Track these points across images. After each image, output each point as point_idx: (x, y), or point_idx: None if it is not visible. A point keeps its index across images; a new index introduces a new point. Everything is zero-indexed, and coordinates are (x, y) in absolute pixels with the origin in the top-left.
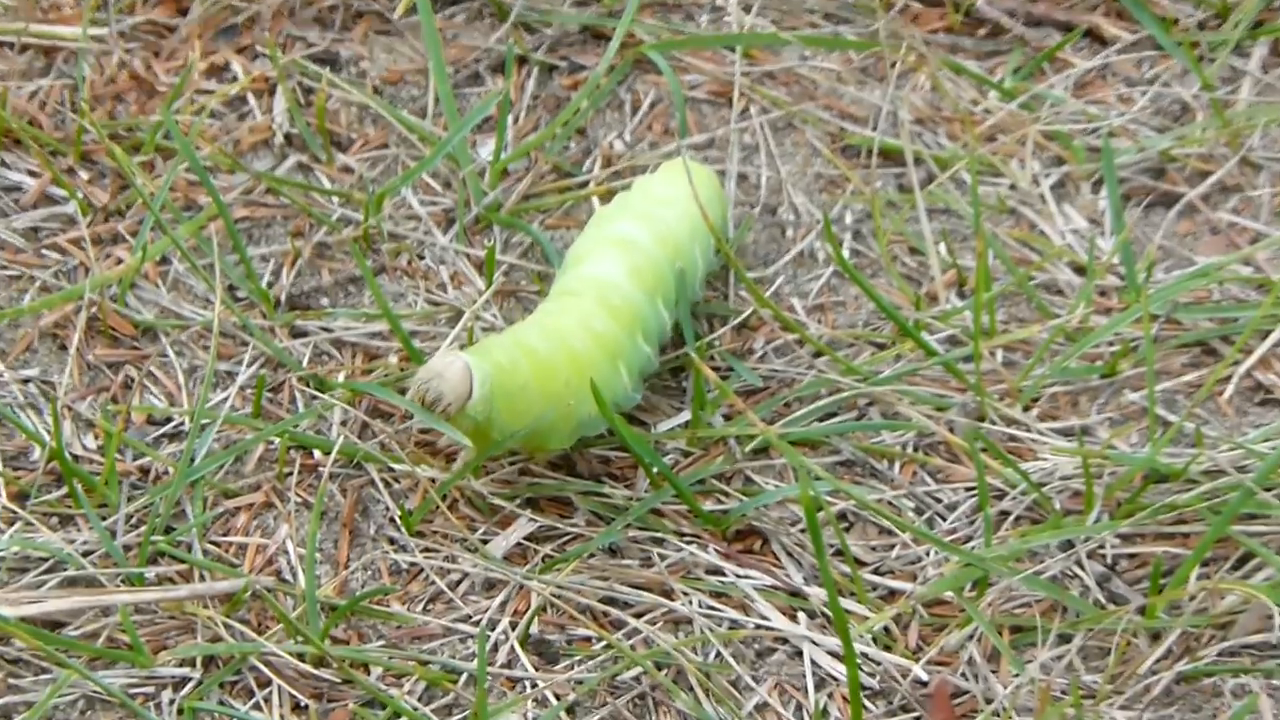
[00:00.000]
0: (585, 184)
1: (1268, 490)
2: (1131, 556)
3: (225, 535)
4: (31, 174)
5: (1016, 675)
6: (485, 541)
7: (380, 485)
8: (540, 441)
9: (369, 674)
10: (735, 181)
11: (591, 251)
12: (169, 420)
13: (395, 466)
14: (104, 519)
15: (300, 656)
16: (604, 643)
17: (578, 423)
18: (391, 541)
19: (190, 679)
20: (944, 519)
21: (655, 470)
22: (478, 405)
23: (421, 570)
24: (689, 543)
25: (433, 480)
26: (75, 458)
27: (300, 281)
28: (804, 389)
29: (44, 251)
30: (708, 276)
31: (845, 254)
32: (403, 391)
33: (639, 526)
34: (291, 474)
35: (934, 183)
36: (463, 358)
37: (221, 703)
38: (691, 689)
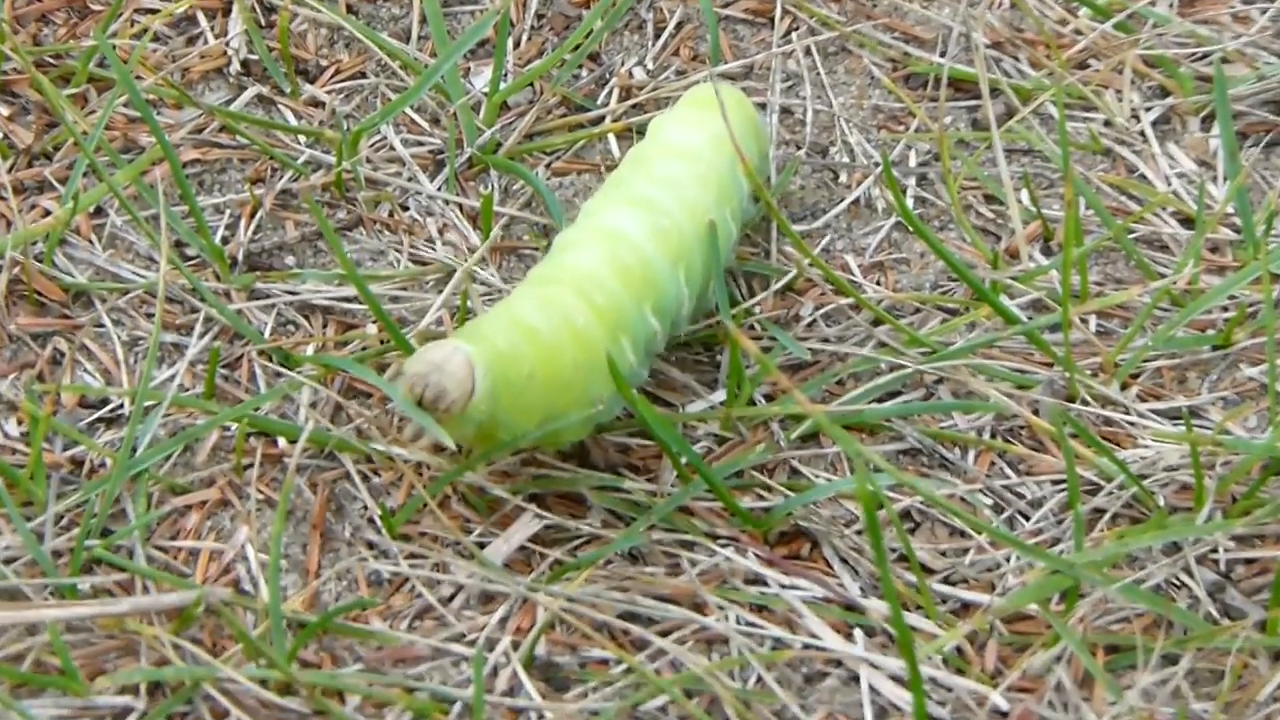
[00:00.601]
0: (599, 120)
1: None
2: (1249, 562)
3: (173, 539)
4: None
5: (1113, 704)
6: (482, 545)
7: (357, 479)
8: (553, 438)
9: (344, 703)
10: (778, 117)
11: (602, 208)
12: (106, 402)
13: (375, 456)
14: (29, 520)
15: (263, 683)
16: (624, 666)
17: (590, 407)
18: (371, 546)
19: (132, 709)
20: (1027, 518)
21: (684, 460)
22: (481, 403)
23: (406, 580)
24: (724, 546)
25: (420, 472)
26: None
27: (261, 237)
28: (860, 363)
29: None
30: (746, 228)
31: (908, 203)
32: (382, 369)
33: (665, 527)
34: (251, 466)
35: (1014, 118)
36: (463, 347)
37: None
38: None
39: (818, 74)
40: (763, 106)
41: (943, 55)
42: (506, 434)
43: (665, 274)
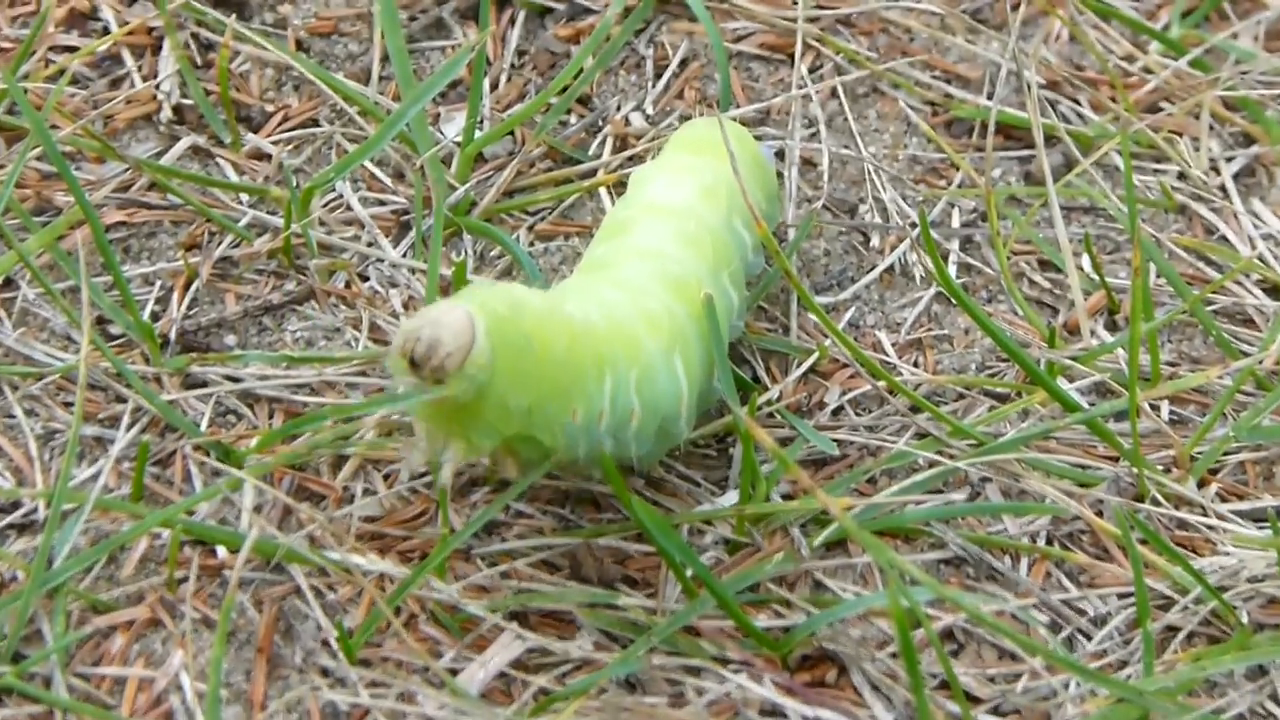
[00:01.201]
0: (591, 174)
1: None
2: None
3: (96, 664)
4: None
5: None
6: (455, 671)
7: (309, 594)
8: (533, 446)
9: None
10: (798, 169)
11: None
12: (17, 505)
13: (330, 568)
14: None
15: None
16: None
17: (565, 414)
18: (325, 673)
19: None
20: (1088, 637)
21: (690, 572)
22: (479, 359)
23: (367, 713)
24: (736, 672)
25: (383, 586)
26: None
27: (197, 313)
28: (895, 458)
29: None
30: (758, 296)
31: (951, 270)
32: (338, 465)
33: (667, 650)
34: (187, 580)
35: (1074, 171)
36: (463, 305)
37: None
38: None
39: (845, 119)
40: (780, 155)
41: (990, 97)
42: (497, 414)
43: (659, 367)
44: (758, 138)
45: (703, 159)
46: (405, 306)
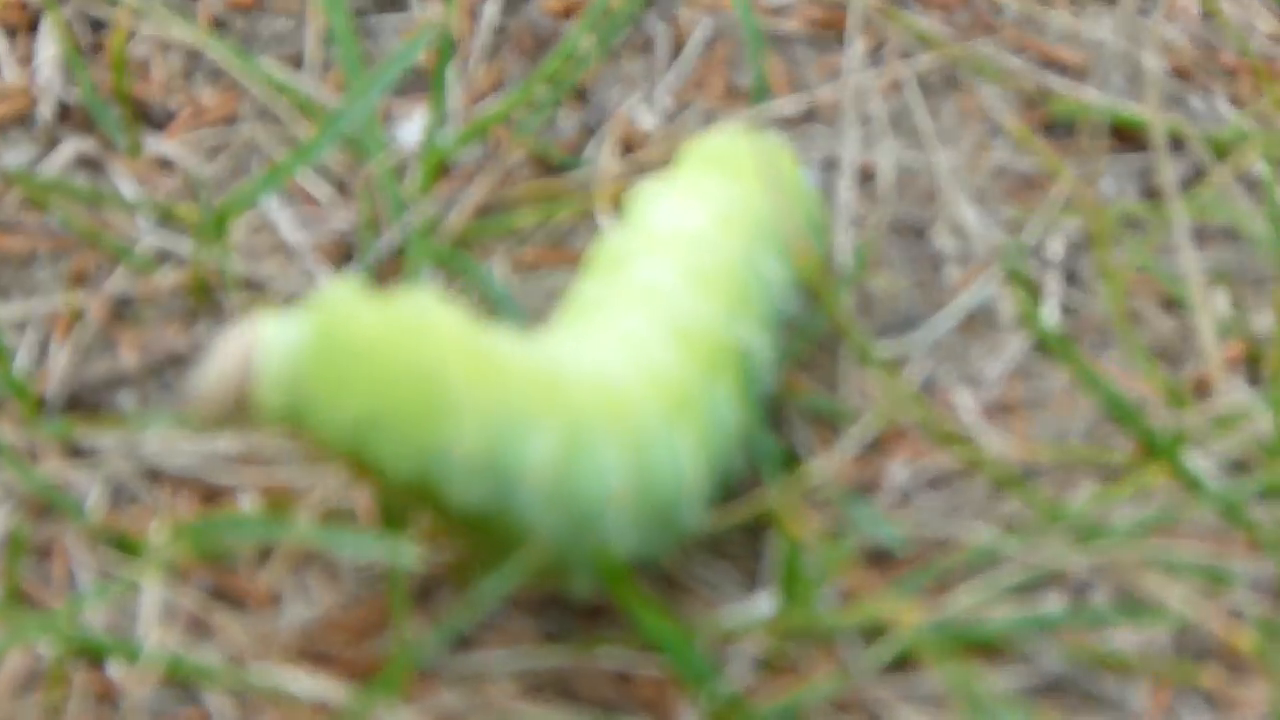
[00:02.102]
0: (586, 183)
1: None
2: None
3: None
4: None
5: None
6: None
7: (227, 717)
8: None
9: None
10: (854, 181)
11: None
12: None
13: (253, 691)
14: None
15: None
16: None
17: (417, 447)
18: None
19: None
20: None
21: (713, 695)
22: (275, 389)
23: None
24: None
25: (324, 712)
26: None
27: (85, 364)
28: (976, 554)
29: None
30: (799, 345)
31: (1048, 311)
32: (262, 560)
33: None
34: (71, 703)
35: (1205, 182)
36: (268, 321)
37: None
38: None
39: (914, 117)
40: (830, 166)
41: (1099, 88)
42: (321, 431)
43: (656, 438)
44: (805, 143)
45: (720, 179)
46: None
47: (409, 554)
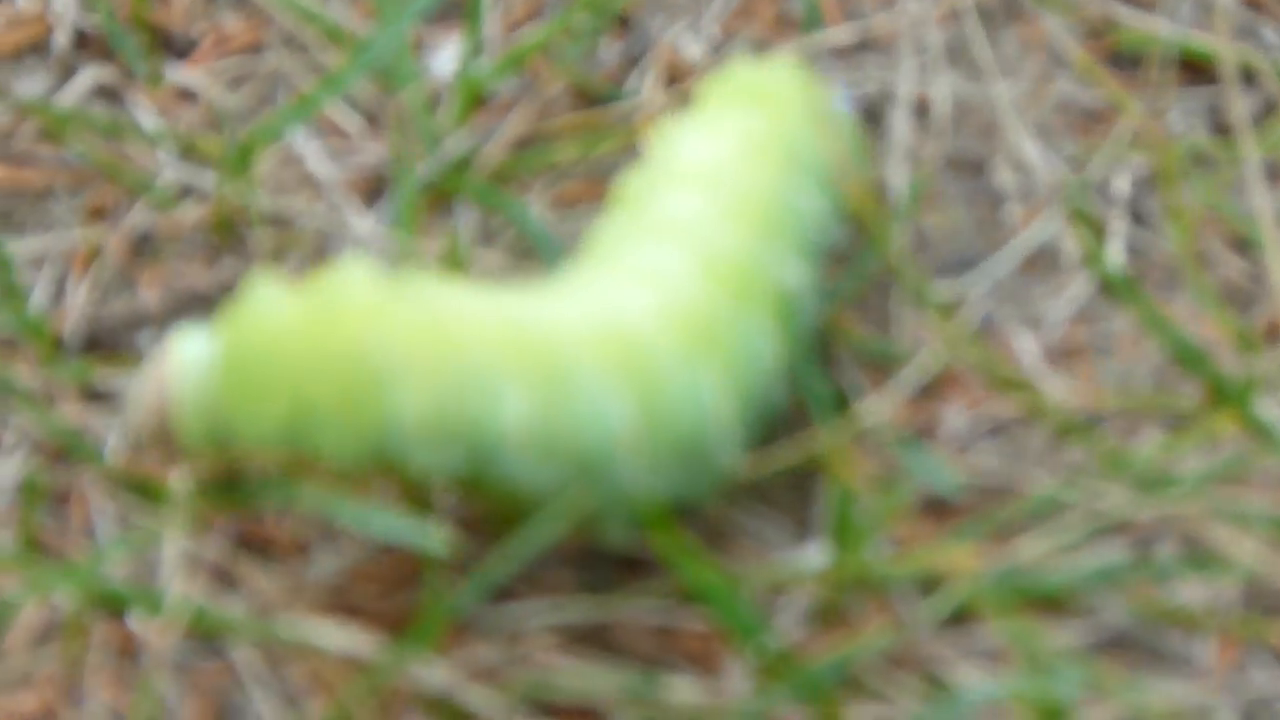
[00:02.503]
0: (629, 115)
1: None
2: None
3: None
4: None
5: None
6: None
7: (252, 678)
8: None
9: None
10: (909, 114)
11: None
12: None
13: (281, 642)
14: None
15: None
16: None
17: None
18: None
19: None
20: None
21: (761, 649)
22: (190, 408)
23: None
24: None
25: (353, 667)
26: None
27: (104, 303)
28: (1036, 504)
29: None
30: (850, 283)
31: (1113, 252)
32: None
33: None
34: (90, 656)
35: (1277, 115)
36: (181, 341)
37: None
38: None
39: (972, 48)
40: (885, 98)
41: (1169, 19)
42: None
43: (671, 376)
44: (857, 76)
45: (746, 110)
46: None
47: (437, 538)
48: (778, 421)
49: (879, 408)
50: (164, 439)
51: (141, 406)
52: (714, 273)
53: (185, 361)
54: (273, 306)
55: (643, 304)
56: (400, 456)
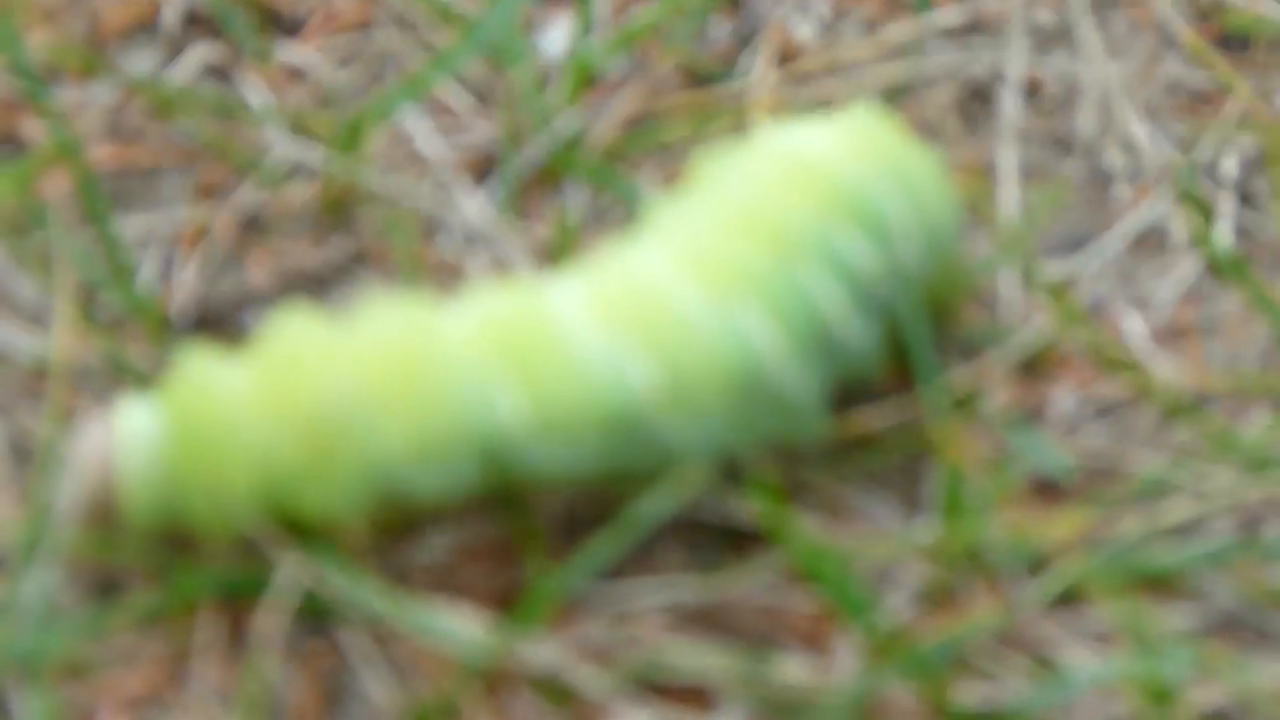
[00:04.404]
0: (739, 95)
1: None
2: None
3: None
4: None
5: None
6: None
7: (361, 659)
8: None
9: None
10: (1021, 95)
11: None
12: None
13: (387, 627)
14: None
15: None
16: None
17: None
18: None
19: None
20: None
21: (872, 628)
22: (138, 491)
23: None
24: None
25: (458, 647)
26: None
27: (214, 281)
28: (1144, 484)
29: None
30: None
31: (1222, 232)
32: None
33: None
34: (198, 638)
35: None
36: (113, 414)
37: None
38: None
39: (1082, 28)
40: (995, 79)
41: (1278, 1)
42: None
43: (699, 322)
44: (965, 57)
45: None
46: (488, 275)
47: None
48: (886, 402)
49: (988, 390)
50: (105, 514)
51: (82, 481)
52: (752, 231)
53: (130, 436)
54: (216, 377)
55: (656, 257)
56: (417, 488)
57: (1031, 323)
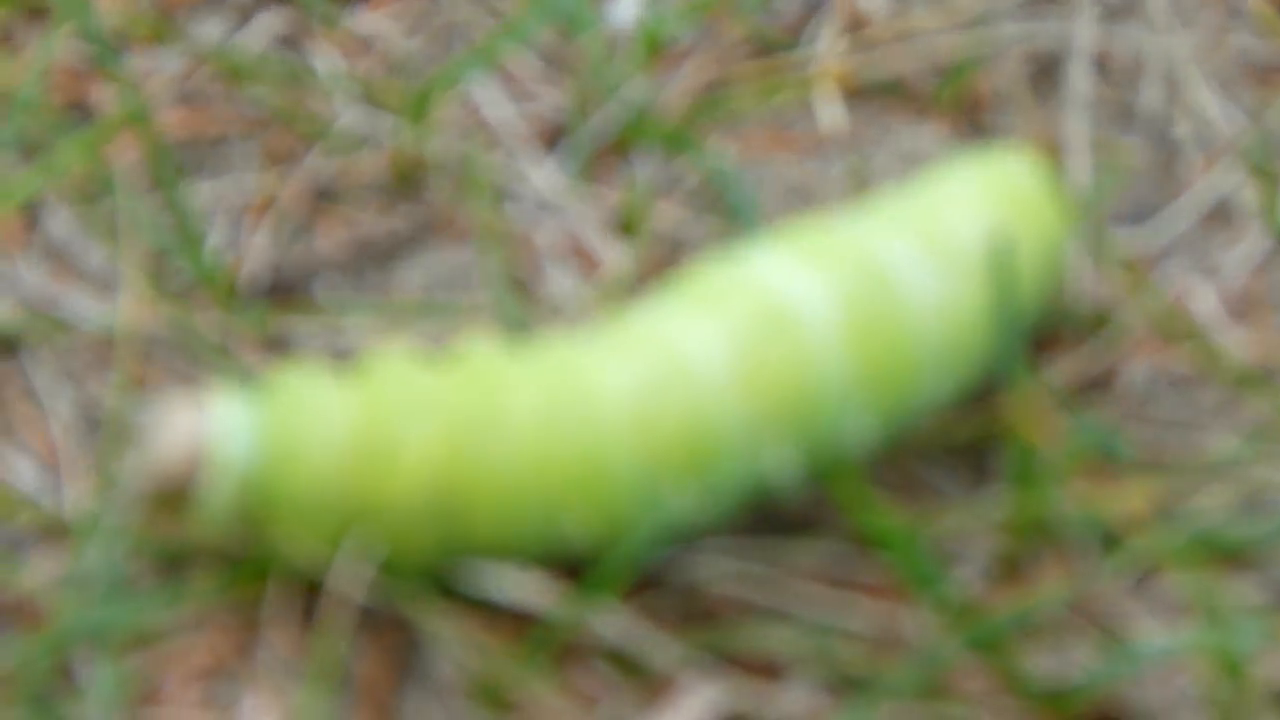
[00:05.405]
0: (806, 65)
1: None
2: None
3: (154, 708)
4: None
5: None
6: None
7: (432, 630)
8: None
9: None
10: (1091, 67)
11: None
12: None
13: (458, 598)
14: None
15: None
16: None
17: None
18: None
19: None
20: None
21: (942, 600)
22: (219, 500)
23: None
24: None
25: (528, 619)
26: None
27: (283, 250)
28: (1215, 459)
29: None
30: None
31: None
32: None
33: (910, 702)
34: (267, 609)
35: None
36: (208, 402)
37: None
38: None
39: (1150, 0)
40: (1064, 50)
41: None
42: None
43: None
44: (1034, 27)
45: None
46: (557, 245)
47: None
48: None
49: (1059, 362)
50: (179, 499)
51: (162, 462)
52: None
53: (223, 434)
54: (323, 405)
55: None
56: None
57: (1102, 295)
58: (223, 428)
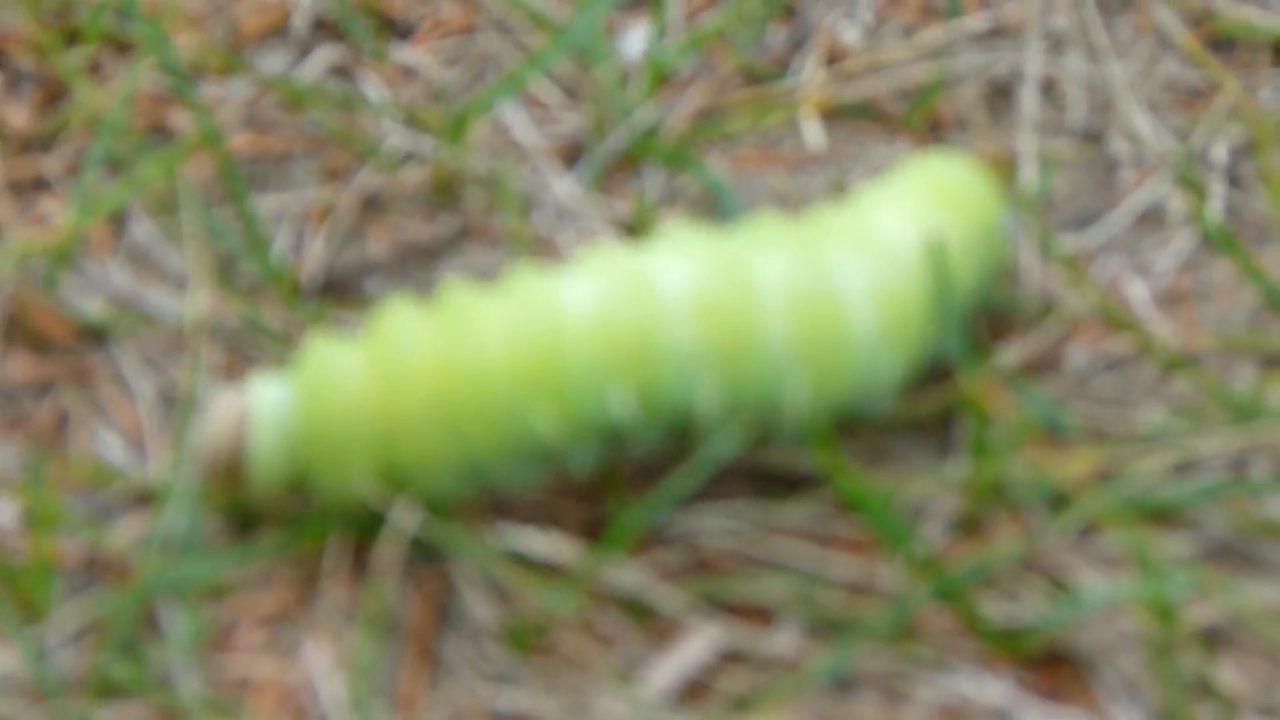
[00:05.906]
0: (792, 92)
1: None
2: None
3: (219, 656)
4: None
5: None
6: (637, 671)
7: (468, 581)
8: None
9: None
10: (1037, 91)
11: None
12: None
13: (490, 554)
14: (30, 631)
15: None
16: None
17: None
18: (491, 676)
19: None
20: None
21: (910, 554)
22: (265, 460)
23: None
24: (958, 671)
25: (552, 570)
26: None
27: (338, 253)
28: (1147, 429)
29: None
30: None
31: (1214, 210)
32: None
33: (883, 643)
34: (325, 563)
35: None
36: (249, 381)
37: None
38: None
39: (1091, 33)
40: (1016, 78)
41: (1261, 8)
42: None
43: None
44: (989, 57)
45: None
46: (577, 246)
47: None
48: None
49: (1013, 348)
50: (232, 472)
51: (213, 441)
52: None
53: (260, 409)
54: (338, 362)
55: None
56: (500, 480)
57: (1048, 288)
58: (261, 398)
